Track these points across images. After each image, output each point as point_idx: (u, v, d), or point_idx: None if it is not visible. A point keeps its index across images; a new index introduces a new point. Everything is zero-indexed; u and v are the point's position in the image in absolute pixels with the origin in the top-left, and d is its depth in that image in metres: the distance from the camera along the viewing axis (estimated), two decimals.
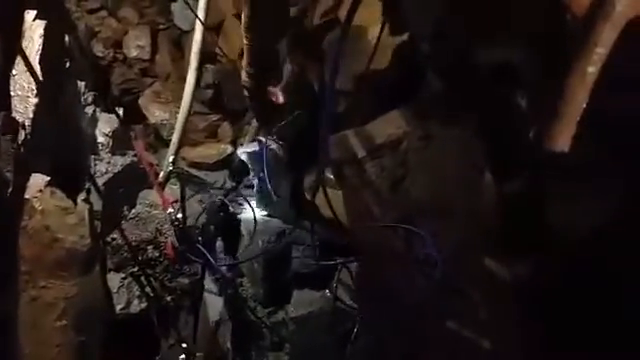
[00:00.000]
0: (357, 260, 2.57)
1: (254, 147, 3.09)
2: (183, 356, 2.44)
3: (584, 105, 1.47)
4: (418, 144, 2.26)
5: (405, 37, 2.43)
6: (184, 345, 2.45)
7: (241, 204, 3.48)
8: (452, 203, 2.08)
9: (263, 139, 3.03)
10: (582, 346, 1.67)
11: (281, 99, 3.18)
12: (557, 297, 1.68)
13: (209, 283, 2.83)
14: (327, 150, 2.20)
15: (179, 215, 2.71)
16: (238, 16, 4.05)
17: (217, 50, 4.14)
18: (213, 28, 4.11)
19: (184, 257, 2.71)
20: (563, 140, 1.48)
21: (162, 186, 3.23)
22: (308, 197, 2.71)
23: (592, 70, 1.45)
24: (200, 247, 2.67)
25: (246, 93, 3.27)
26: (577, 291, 1.64)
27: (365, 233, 2.48)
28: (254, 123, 3.85)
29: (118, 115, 3.61)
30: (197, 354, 2.52)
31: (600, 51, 1.44)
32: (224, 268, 2.87)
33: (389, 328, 2.29)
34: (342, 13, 2.65)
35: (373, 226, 2.37)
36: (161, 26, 4.43)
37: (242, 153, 3.18)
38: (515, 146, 1.78)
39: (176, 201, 2.86)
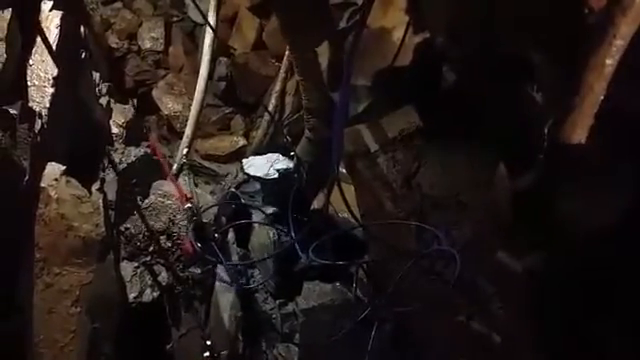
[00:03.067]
0: (369, 256, 2.58)
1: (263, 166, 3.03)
2: (207, 354, 2.45)
3: (601, 97, 1.46)
4: (431, 139, 2.26)
5: (426, 35, 2.46)
6: (209, 343, 2.45)
7: (252, 196, 3.50)
8: (465, 198, 2.08)
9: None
10: (593, 342, 1.66)
11: None
12: (568, 293, 1.68)
13: (221, 273, 2.85)
14: (342, 146, 2.21)
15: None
16: (252, 9, 4.07)
17: (230, 43, 4.16)
18: (227, 20, 4.12)
19: (201, 255, 2.72)
20: (579, 132, 1.48)
21: (174, 178, 3.26)
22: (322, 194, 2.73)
23: (610, 62, 1.44)
24: (215, 246, 2.67)
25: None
26: (588, 287, 1.64)
27: (377, 228, 2.49)
28: (266, 116, 3.86)
29: (132, 106, 3.64)
30: (222, 352, 2.53)
31: (619, 43, 1.43)
32: (235, 260, 2.89)
33: (400, 322, 2.30)
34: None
35: (385, 222, 2.38)
36: (175, 18, 4.45)
37: (249, 167, 3.14)
38: (528, 141, 1.77)
39: (191, 198, 2.87)
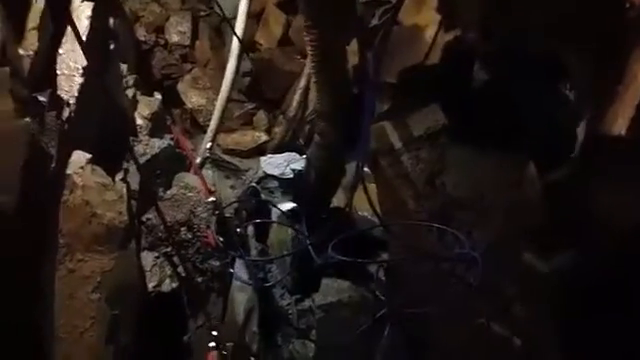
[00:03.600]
0: (389, 255, 2.56)
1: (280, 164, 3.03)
2: (213, 344, 2.46)
3: None
4: (457, 138, 2.23)
5: (457, 33, 2.44)
6: (214, 333, 2.46)
7: (273, 192, 3.50)
8: (490, 198, 2.05)
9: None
10: (622, 345, 1.62)
11: None
12: (598, 294, 1.64)
13: (238, 268, 2.86)
14: (367, 144, 2.20)
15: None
16: (279, 5, 4.08)
17: (256, 38, 4.17)
18: (253, 16, 4.14)
19: (222, 249, 2.73)
20: (620, 123, 1.45)
21: (197, 172, 3.28)
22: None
23: None
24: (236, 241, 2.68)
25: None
26: (619, 288, 1.60)
27: (398, 228, 2.47)
28: (289, 113, 3.87)
29: (157, 99, 3.67)
30: (227, 344, 2.53)
31: None
32: (254, 254, 2.90)
33: (419, 323, 2.28)
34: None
35: (407, 223, 2.36)
36: (202, 13, 4.49)
37: (267, 165, 3.13)
38: (559, 139, 1.74)
39: (214, 191, 2.88)
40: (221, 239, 2.68)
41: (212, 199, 2.66)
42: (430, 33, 2.46)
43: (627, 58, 1.41)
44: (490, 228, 2.01)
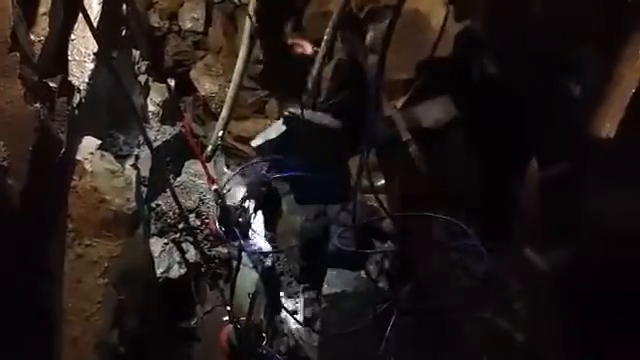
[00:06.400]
0: (396, 246, 2.55)
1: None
2: (226, 318, 2.48)
3: (633, 90, 1.39)
4: (466, 130, 2.21)
5: (467, 23, 2.37)
6: (228, 308, 2.49)
7: (283, 180, 3.50)
8: (495, 192, 2.02)
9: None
10: (619, 340, 1.61)
11: (309, 50, 3.10)
12: (594, 288, 1.62)
13: (246, 255, 2.87)
14: (373, 133, 2.18)
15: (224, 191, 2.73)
16: None
17: None
18: None
19: (224, 240, 2.74)
20: (609, 126, 1.42)
21: (208, 159, 3.28)
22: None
23: None
24: (238, 231, 2.68)
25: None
26: (615, 282, 1.58)
27: (405, 219, 2.45)
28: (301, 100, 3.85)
29: (169, 86, 3.68)
30: (242, 318, 2.55)
31: None
32: (261, 242, 2.90)
33: (424, 314, 2.27)
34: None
35: (413, 215, 2.34)
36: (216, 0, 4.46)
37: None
38: (561, 135, 1.71)
39: (217, 180, 2.87)
40: (222, 229, 2.68)
41: (215, 187, 2.66)
42: (436, 21, 2.37)
43: (617, 58, 1.37)
44: (493, 221, 1.99)
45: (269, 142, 3.05)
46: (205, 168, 2.65)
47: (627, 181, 1.50)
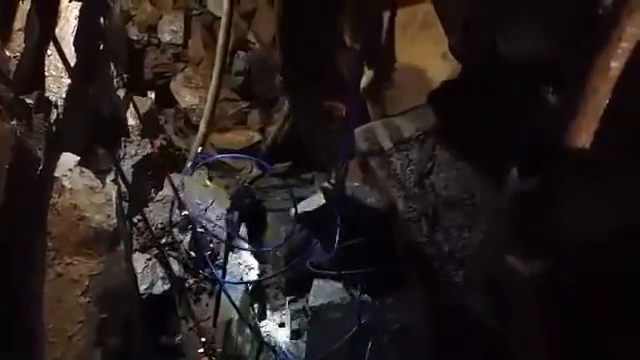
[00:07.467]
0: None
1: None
2: (201, 350, 2.44)
3: (607, 101, 1.41)
4: (446, 139, 2.22)
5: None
6: (203, 340, 2.45)
7: (267, 192, 3.49)
8: (478, 199, 2.04)
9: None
10: (600, 346, 1.62)
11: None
12: (573, 298, 1.63)
13: (232, 268, 2.85)
14: (352, 143, 2.18)
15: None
16: (271, 3, 4.04)
17: (249, 37, 4.15)
18: (246, 15, 4.11)
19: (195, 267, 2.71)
20: (584, 136, 1.43)
21: (190, 174, 3.24)
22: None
23: (616, 65, 1.39)
24: (208, 258, 2.64)
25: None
26: (593, 292, 1.59)
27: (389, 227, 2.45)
28: (282, 112, 3.84)
29: (150, 99, 3.65)
30: (217, 349, 2.52)
31: (624, 46, 1.38)
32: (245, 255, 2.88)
33: (408, 322, 2.27)
34: None
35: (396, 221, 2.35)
36: (195, 12, 4.45)
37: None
38: (538, 142, 1.73)
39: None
40: (193, 255, 2.64)
41: (185, 213, 2.61)
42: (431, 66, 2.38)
43: (589, 69, 1.39)
44: (478, 228, 2.00)
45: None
46: (176, 192, 2.59)
47: (590, 196, 1.52)
